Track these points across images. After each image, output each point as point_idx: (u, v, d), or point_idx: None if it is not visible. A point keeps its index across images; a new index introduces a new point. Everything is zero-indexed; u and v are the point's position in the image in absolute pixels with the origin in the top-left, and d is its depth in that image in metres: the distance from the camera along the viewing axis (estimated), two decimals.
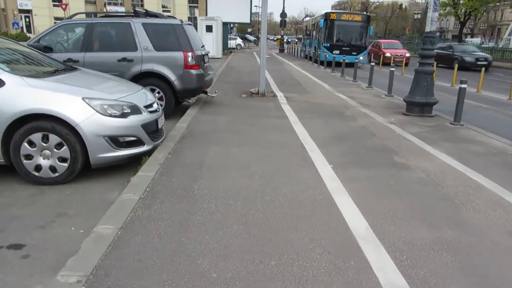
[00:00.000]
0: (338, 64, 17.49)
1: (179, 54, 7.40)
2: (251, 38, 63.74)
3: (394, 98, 10.29)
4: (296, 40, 56.19)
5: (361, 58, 20.50)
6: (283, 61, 23.71)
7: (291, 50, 34.39)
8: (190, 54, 7.42)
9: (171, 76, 7.39)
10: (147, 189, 3.73)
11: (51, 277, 2.43)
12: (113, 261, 2.51)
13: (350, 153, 5.19)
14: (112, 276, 2.35)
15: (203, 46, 8.60)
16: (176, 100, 7.65)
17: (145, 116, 4.69)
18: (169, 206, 3.38)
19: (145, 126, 4.64)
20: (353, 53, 20.27)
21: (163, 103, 7.47)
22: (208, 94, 8.67)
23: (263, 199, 3.60)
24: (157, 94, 7.45)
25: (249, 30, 75.64)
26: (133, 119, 4.51)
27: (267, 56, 27.45)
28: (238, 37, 45.43)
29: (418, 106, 7.84)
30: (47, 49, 7.34)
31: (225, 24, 27.95)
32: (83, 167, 4.25)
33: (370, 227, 3.15)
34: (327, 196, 3.72)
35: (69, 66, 5.52)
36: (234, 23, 39.86)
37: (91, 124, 4.18)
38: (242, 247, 2.78)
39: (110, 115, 4.33)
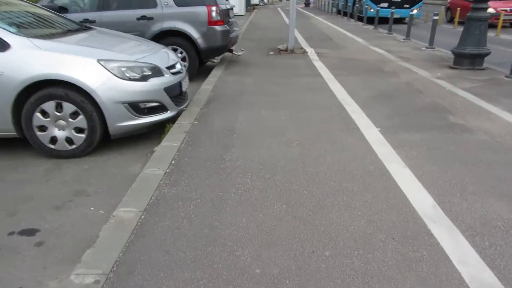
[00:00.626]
0: (383, 21, 15.34)
1: (202, 9, 6.78)
2: None
3: (436, 51, 9.37)
4: None
5: (415, 11, 16.20)
6: (310, 16, 22.44)
7: (318, 3, 32.56)
8: (214, 8, 6.79)
9: (194, 34, 6.81)
10: (173, 162, 3.30)
11: (67, 271, 2.06)
12: (136, 253, 2.12)
13: (397, 114, 4.58)
14: (136, 275, 1.96)
15: (227, 0, 7.90)
16: (200, 60, 7.11)
17: (167, 79, 4.20)
18: (198, 182, 2.94)
19: (168, 90, 4.16)
20: (405, 5, 16.14)
21: (186, 64, 6.95)
22: (234, 52, 8.06)
23: (306, 171, 3.11)
24: (179, 55, 6.91)
25: None
26: (155, 82, 4.04)
27: None
28: None
29: (469, 58, 7.00)
30: (62, 10, 6.89)
31: None
32: (102, 137, 3.86)
33: (438, 204, 2.63)
34: (379, 166, 3.19)
35: (83, 26, 5.03)
36: None
37: (108, 89, 3.74)
38: (287, 232, 2.33)
39: (129, 79, 3.87)
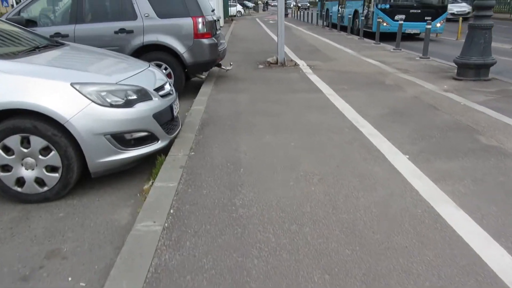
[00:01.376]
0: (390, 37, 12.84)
1: (187, 21, 6.15)
2: (250, 4, 61.10)
3: (431, 61, 9.01)
4: (308, 5, 49.19)
5: (438, 25, 14.01)
6: (290, 26, 22.06)
7: (294, 14, 32.36)
8: (200, 20, 6.17)
9: (180, 48, 6.17)
10: (171, 211, 2.63)
11: None
12: None
13: (420, 135, 4.04)
14: None
15: (213, 10, 7.31)
16: (186, 76, 6.46)
17: (156, 103, 3.54)
18: (208, 242, 2.28)
19: (158, 116, 3.51)
20: (426, 17, 10.78)
21: (171, 80, 6.28)
22: (222, 67, 7.44)
23: (340, 220, 2.49)
24: (164, 71, 6.25)
25: None
26: (142, 108, 3.37)
27: (271, 21, 25.58)
28: (237, 4, 43.24)
29: (474, 68, 6.59)
30: (30, 23, 6.14)
31: None
32: (80, 176, 3.17)
33: None
34: (427, 209, 2.61)
35: (55, 42, 4.32)
36: None
37: (86, 119, 3.06)
38: None
39: (111, 105, 3.19)
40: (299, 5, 46.61)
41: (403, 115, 4.74)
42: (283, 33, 8.57)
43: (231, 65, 7.45)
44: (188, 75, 6.52)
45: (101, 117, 3.12)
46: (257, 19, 32.21)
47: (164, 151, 3.63)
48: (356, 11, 16.45)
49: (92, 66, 3.62)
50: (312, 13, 25.92)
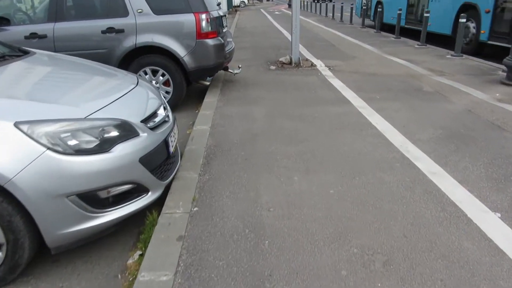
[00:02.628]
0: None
1: (188, 18, 5.11)
2: None
3: (466, 59, 7.91)
4: None
5: None
6: None
7: (303, 5, 30.98)
8: (204, 16, 5.12)
9: (179, 51, 5.14)
10: None
11: None
12: None
13: (502, 174, 3.01)
14: None
15: (219, 4, 6.24)
16: (187, 82, 5.43)
17: (145, 140, 2.54)
18: None
19: (147, 159, 2.51)
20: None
21: (170, 89, 5.28)
22: (230, 70, 6.39)
23: None
24: (161, 77, 5.23)
25: None
26: (124, 152, 2.38)
27: (276, 12, 24.40)
28: None
29: None
30: (2, 21, 5.14)
31: None
32: (37, 251, 2.20)
33: None
34: None
35: (16, 50, 3.32)
36: None
37: (37, 175, 2.09)
38: None
39: (77, 151, 2.20)
40: None
41: (465, 140, 3.70)
42: (298, 30, 7.49)
43: (239, 68, 6.40)
44: (190, 81, 5.49)
45: (62, 171, 2.13)
46: (261, 10, 30.97)
47: (160, 200, 2.63)
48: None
49: (56, 89, 2.59)
50: (323, 5, 24.62)
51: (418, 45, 9.86)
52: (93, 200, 2.27)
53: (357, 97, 5.30)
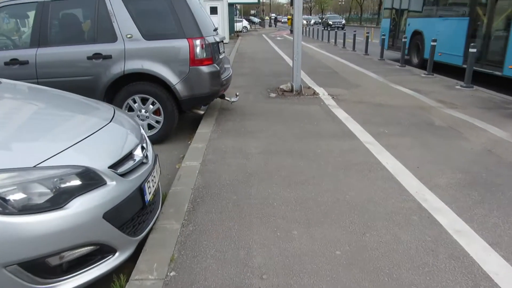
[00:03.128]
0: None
1: (181, 44, 4.75)
2: (256, 19, 60.22)
3: (476, 91, 7.52)
4: (343, 22, 40.41)
5: None
6: None
7: (304, 31, 30.94)
8: (198, 42, 4.76)
9: (171, 78, 4.76)
10: None
11: None
12: None
13: None
14: None
15: (215, 29, 5.89)
16: (179, 111, 5.03)
17: (112, 191, 2.09)
18: None
19: (113, 214, 2.08)
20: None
21: (160, 118, 4.87)
22: (226, 98, 6.00)
23: None
24: (151, 106, 4.83)
25: (252, 12, 71.67)
26: (84, 206, 1.95)
27: (278, 38, 24.31)
28: (243, 19, 42.23)
29: None
30: None
31: (230, 5, 24.94)
32: None
33: None
34: None
35: None
36: (239, 3, 36.68)
37: None
38: None
39: (21, 210, 1.76)
40: (330, 22, 39.00)
41: (489, 187, 3.24)
42: (299, 56, 7.15)
43: (237, 96, 6.01)
44: (183, 110, 5.08)
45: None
46: (263, 35, 31.03)
47: (131, 260, 2.16)
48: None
49: (3, 129, 2.15)
50: (317, 29, 24.59)
51: (424, 74, 9.51)
52: (41, 268, 1.81)
53: (363, 130, 4.87)
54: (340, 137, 4.61)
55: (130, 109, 4.85)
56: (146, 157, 2.52)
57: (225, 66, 6.13)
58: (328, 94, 7.13)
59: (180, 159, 4.20)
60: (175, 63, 4.74)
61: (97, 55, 4.62)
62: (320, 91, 7.41)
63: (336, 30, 23.30)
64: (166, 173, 3.83)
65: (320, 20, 46.60)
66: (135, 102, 4.85)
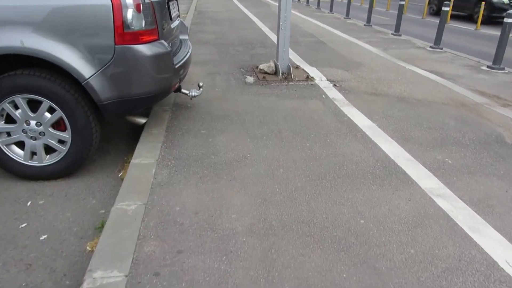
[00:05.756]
0: None
1: (99, 2, 2.53)
2: None
3: (510, 74, 5.79)
4: None
5: None
6: (268, 2, 18.26)
7: None
8: (130, 1, 2.56)
9: (82, 67, 2.64)
10: None
11: None
12: None
13: None
14: None
15: None
16: (101, 121, 2.89)
17: None
18: None
19: None
20: None
21: (66, 135, 2.77)
22: (184, 91, 3.83)
23: None
24: (47, 115, 2.65)
25: None
26: None
27: None
28: None
29: None
30: None
31: None
32: None
33: None
34: None
35: None
36: None
37: None
38: None
39: None
40: None
41: None
42: (288, 24, 5.01)
43: (200, 87, 3.84)
44: (106, 119, 2.92)
45: None
46: None
47: None
48: None
49: None
50: None
51: (431, 47, 7.66)
52: None
53: (413, 160, 2.96)
54: (384, 179, 2.67)
55: (9, 119, 2.69)
56: None
57: (182, 37, 3.97)
58: (327, 80, 5.11)
59: (91, 236, 2.12)
60: (86, 38, 2.57)
61: None
62: (314, 73, 5.37)
63: None
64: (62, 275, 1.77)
65: None
66: (16, 107, 2.67)
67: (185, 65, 3.43)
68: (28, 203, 2.56)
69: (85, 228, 2.31)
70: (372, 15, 10.91)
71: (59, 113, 2.68)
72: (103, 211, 2.47)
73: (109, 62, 2.62)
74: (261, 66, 5.30)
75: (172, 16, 3.44)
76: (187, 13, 12.24)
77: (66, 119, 2.70)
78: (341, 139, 3.30)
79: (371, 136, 3.38)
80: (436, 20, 12.27)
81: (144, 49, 2.72)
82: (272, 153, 3.00)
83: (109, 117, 2.86)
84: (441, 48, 7.54)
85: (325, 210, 2.29)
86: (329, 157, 2.96)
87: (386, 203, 2.38)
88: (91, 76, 2.61)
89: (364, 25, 10.81)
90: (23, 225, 2.34)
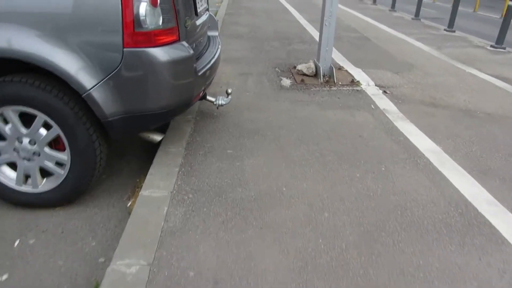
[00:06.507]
0: None
1: None
2: None
3: None
4: None
5: None
6: None
7: None
8: None
9: (83, 76, 2.05)
10: None
11: None
12: None
13: None
14: None
15: None
16: (108, 140, 2.37)
17: None
18: None
19: None
20: None
21: (64, 156, 2.27)
22: (210, 98, 3.27)
23: None
24: (42, 131, 2.14)
25: None
26: None
27: None
28: None
29: None
30: None
31: None
32: None
33: None
34: None
35: None
36: None
37: None
38: None
39: None
40: None
41: None
42: (333, 20, 4.35)
43: (228, 94, 3.26)
44: (113, 138, 2.39)
45: None
46: None
47: None
48: None
49: None
50: None
51: (492, 46, 6.76)
52: None
53: (498, 205, 2.31)
54: (464, 235, 2.02)
55: None
56: None
57: (210, 34, 3.40)
58: (376, 85, 4.42)
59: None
60: (87, 39, 2.04)
61: None
62: (360, 76, 4.69)
63: None
64: None
65: None
66: (6, 122, 2.20)
67: (211, 70, 2.86)
68: (16, 243, 2.09)
69: (77, 285, 1.81)
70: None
71: (56, 130, 2.18)
72: (103, 260, 1.97)
73: (115, 69, 2.09)
74: (299, 67, 4.66)
75: (199, 11, 2.86)
76: (221, 2, 11.66)
77: (64, 137, 2.20)
78: (399, 168, 2.65)
79: (437, 165, 2.71)
80: (490, 14, 11.19)
81: (160, 53, 2.17)
82: (314, 186, 2.40)
83: (116, 136, 2.33)
84: (504, 48, 6.64)
85: (390, 285, 1.68)
86: (387, 195, 2.33)
87: (473, 276, 1.74)
88: (93, 87, 2.08)
89: (412, 18, 9.90)
90: (4, 277, 1.86)
